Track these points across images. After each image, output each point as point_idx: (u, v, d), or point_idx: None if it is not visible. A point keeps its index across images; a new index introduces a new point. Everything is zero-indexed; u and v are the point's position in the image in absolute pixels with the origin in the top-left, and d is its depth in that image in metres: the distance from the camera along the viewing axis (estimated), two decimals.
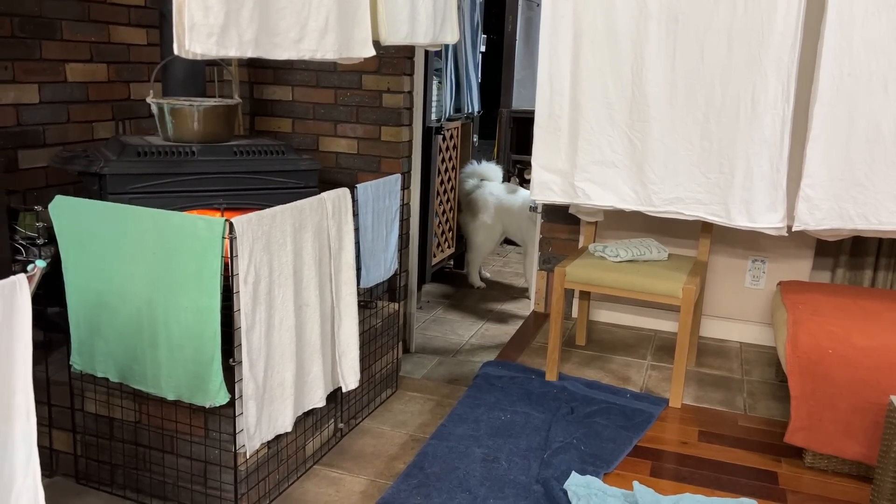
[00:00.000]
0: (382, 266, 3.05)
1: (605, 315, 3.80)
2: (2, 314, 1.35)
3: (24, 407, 1.42)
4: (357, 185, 2.78)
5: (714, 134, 2.75)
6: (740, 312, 3.60)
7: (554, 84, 2.95)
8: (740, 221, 2.75)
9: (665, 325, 3.67)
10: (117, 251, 2.23)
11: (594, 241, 3.34)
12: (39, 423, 2.44)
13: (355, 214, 2.74)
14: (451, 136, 5.26)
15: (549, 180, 3.02)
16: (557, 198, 3.04)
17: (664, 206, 2.87)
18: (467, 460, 2.41)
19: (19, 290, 1.38)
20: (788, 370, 2.46)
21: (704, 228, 3.14)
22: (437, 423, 2.71)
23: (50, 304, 2.47)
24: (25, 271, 1.42)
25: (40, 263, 1.44)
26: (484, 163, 5.15)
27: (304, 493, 2.38)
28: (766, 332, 3.52)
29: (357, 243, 2.76)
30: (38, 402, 2.43)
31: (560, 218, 3.72)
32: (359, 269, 2.81)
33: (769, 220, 2.71)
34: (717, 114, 2.73)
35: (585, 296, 3.50)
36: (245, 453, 2.22)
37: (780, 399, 2.97)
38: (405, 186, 3.74)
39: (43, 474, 2.18)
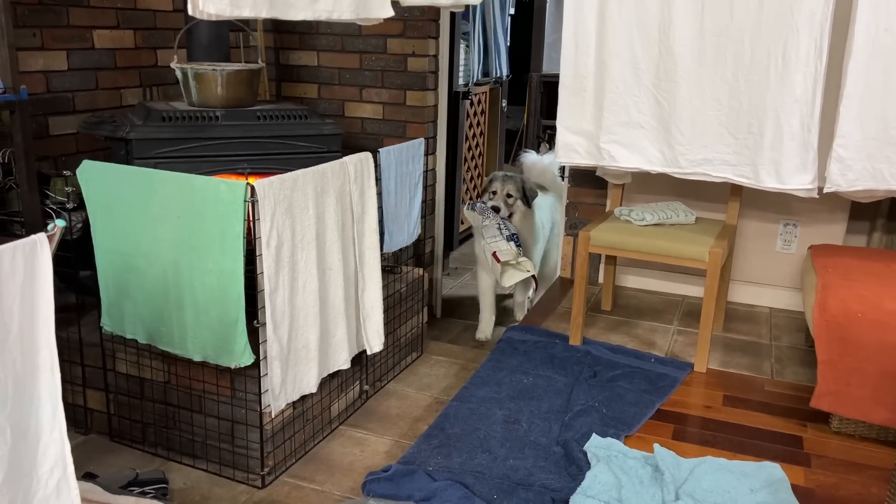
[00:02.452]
0: (406, 231, 3.06)
1: (632, 280, 3.77)
2: (24, 272, 1.39)
3: (49, 362, 1.46)
4: (380, 150, 2.78)
5: (743, 93, 2.67)
6: (771, 277, 3.53)
7: (579, 43, 2.89)
8: (769, 183, 2.69)
9: (693, 290, 3.62)
10: (143, 215, 2.27)
11: (620, 205, 3.30)
12: (74, 383, 2.53)
13: (378, 179, 2.75)
14: (479, 101, 5.21)
15: (575, 142, 2.98)
16: (583, 160, 3.00)
17: (691, 168, 2.81)
18: (488, 422, 2.43)
19: (40, 248, 1.41)
20: (816, 334, 2.42)
21: (733, 191, 3.07)
22: (461, 387, 2.73)
23: (82, 267, 2.53)
24: (45, 230, 1.45)
25: (60, 223, 1.48)
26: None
27: (330, 452, 2.43)
28: (796, 297, 3.46)
29: (380, 208, 2.76)
30: (72, 362, 2.51)
31: (587, 182, 3.67)
32: (382, 234, 2.82)
33: (799, 182, 2.64)
34: (747, 72, 2.65)
35: (611, 261, 3.47)
36: (271, 413, 2.26)
37: (809, 365, 2.93)
38: (430, 152, 3.73)
39: (78, 432, 2.26)
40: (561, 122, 2.99)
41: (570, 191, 3.79)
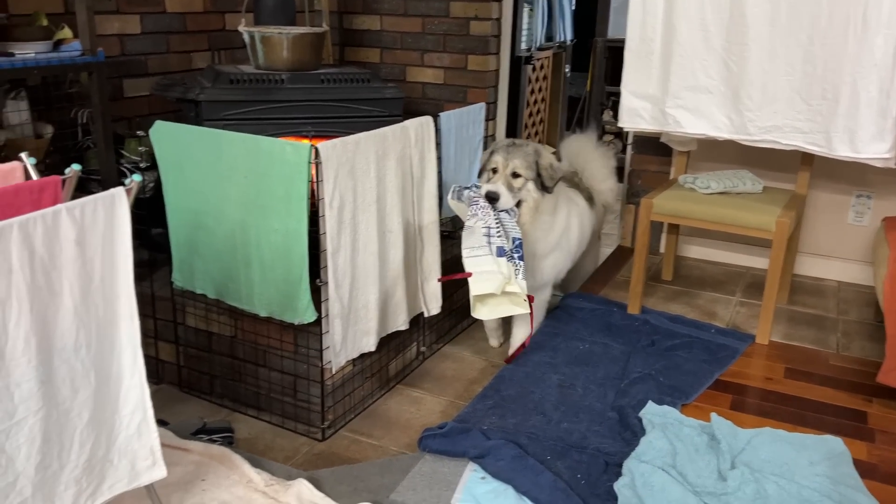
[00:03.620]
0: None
1: (695, 250, 3.70)
2: (104, 224, 1.47)
3: (128, 310, 1.55)
4: (440, 114, 2.78)
5: (818, 57, 2.57)
6: (841, 250, 3.42)
7: (647, 6, 2.82)
8: (842, 151, 2.59)
9: (758, 261, 3.54)
10: (212, 174, 2.34)
11: (685, 173, 3.23)
12: (146, 336, 2.65)
13: (438, 143, 2.76)
14: (542, 67, 5.14)
15: (639, 107, 2.92)
16: (647, 125, 2.94)
17: (760, 135, 2.73)
18: (543, 385, 2.45)
19: (118, 201, 1.49)
20: (886, 308, 2.34)
21: (804, 160, 2.97)
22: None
23: (154, 225, 2.64)
24: (123, 185, 1.52)
25: (136, 178, 1.55)
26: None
27: (387, 409, 2.49)
28: (867, 271, 3.34)
29: (439, 172, 2.78)
30: (145, 315, 2.63)
31: (650, 148, 3.61)
32: (441, 198, 2.84)
33: (875, 151, 2.53)
34: (823, 35, 2.54)
35: (674, 230, 3.41)
36: (331, 369, 2.33)
37: (877, 340, 2.84)
38: (491, 117, 3.72)
39: (150, 382, 2.38)
40: (626, 87, 2.94)
41: (634, 158, 3.72)
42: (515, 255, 2.38)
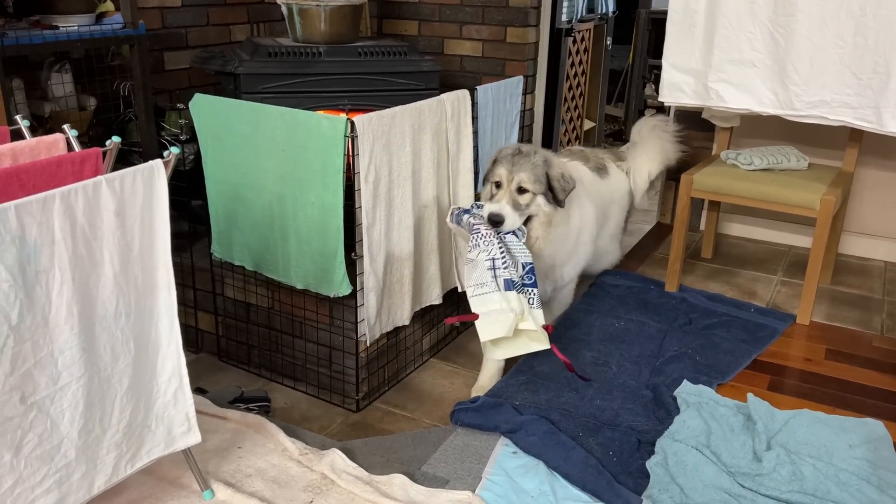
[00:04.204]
0: None
1: (736, 228, 3.63)
2: (143, 195, 1.50)
3: (165, 280, 1.58)
4: (477, 87, 2.75)
5: (870, 28, 2.47)
6: (889, 229, 3.31)
7: None
8: (893, 128, 2.49)
9: (801, 240, 3.45)
10: (251, 147, 2.36)
11: (727, 149, 3.16)
12: (186, 306, 2.71)
13: (475, 117, 2.73)
14: (583, 39, 5.04)
15: (681, 81, 2.85)
16: (688, 100, 2.87)
17: (807, 110, 2.64)
18: (577, 362, 2.44)
19: (157, 173, 1.51)
20: None
21: (852, 136, 2.87)
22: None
23: (193, 197, 2.68)
24: (162, 157, 1.54)
25: (174, 150, 1.57)
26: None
27: (421, 382, 2.51)
28: None
29: (476, 147, 2.76)
30: (184, 285, 2.68)
31: (692, 124, 3.52)
32: (476, 173, 2.82)
33: None
34: (876, 5, 2.44)
35: (714, 207, 3.34)
36: (366, 341, 2.36)
37: None
38: (529, 90, 3.67)
39: (190, 351, 2.43)
40: (667, 60, 2.87)
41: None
42: (527, 283, 2.15)
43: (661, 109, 5.51)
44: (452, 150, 2.61)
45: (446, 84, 3.28)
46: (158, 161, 1.52)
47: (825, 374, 2.44)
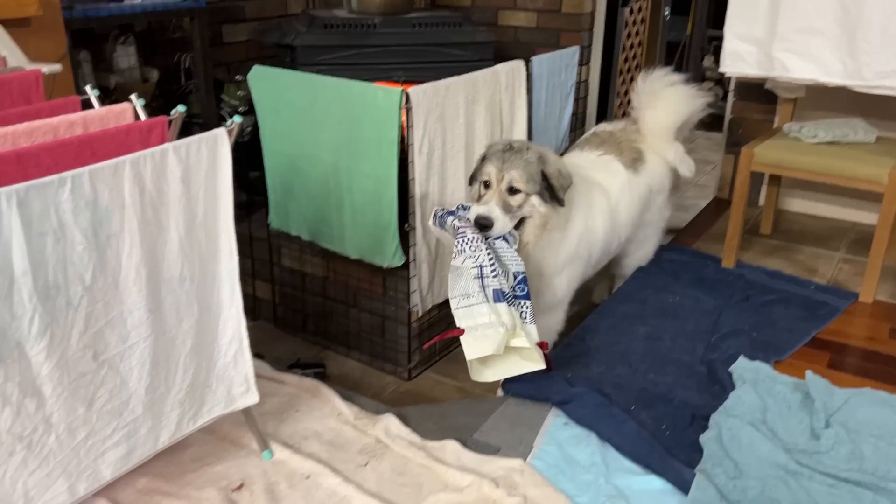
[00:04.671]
0: (553, 143, 3.02)
1: (797, 204, 3.52)
2: (207, 162, 1.54)
3: (228, 246, 1.63)
4: (532, 58, 2.73)
5: None
6: None
7: None
8: None
9: (867, 216, 3.33)
10: (307, 119, 2.39)
11: (791, 121, 3.06)
12: (244, 274, 2.77)
13: (529, 88, 2.71)
14: (640, 9, 4.92)
15: (744, 51, 2.76)
16: (751, 70, 2.78)
17: (877, 81, 2.53)
18: (629, 337, 2.42)
19: (220, 141, 1.55)
20: None
21: None
22: (603, 302, 2.73)
23: (251, 168, 2.74)
24: (225, 125, 1.58)
25: (237, 119, 1.60)
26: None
27: None
28: None
29: (529, 118, 2.74)
30: (243, 255, 2.72)
31: (754, 95, 3.42)
32: None
33: None
34: None
35: (775, 181, 3.25)
36: (418, 312, 2.39)
37: None
38: (584, 62, 3.62)
39: (247, 318, 2.49)
40: (729, 29, 2.78)
41: (735, 105, 3.55)
42: (519, 294, 1.94)
43: (721, 82, 5.35)
44: (506, 121, 2.60)
45: (500, 56, 3.25)
46: (222, 129, 1.56)
47: (888, 353, 2.37)
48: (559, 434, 1.97)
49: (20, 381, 1.31)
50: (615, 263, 2.77)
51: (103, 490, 1.63)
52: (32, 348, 1.31)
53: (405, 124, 2.23)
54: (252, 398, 1.77)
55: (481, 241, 1.91)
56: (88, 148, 1.45)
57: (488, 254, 1.90)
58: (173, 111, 1.61)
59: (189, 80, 2.75)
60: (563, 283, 2.27)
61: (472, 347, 1.81)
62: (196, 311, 1.60)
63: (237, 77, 2.81)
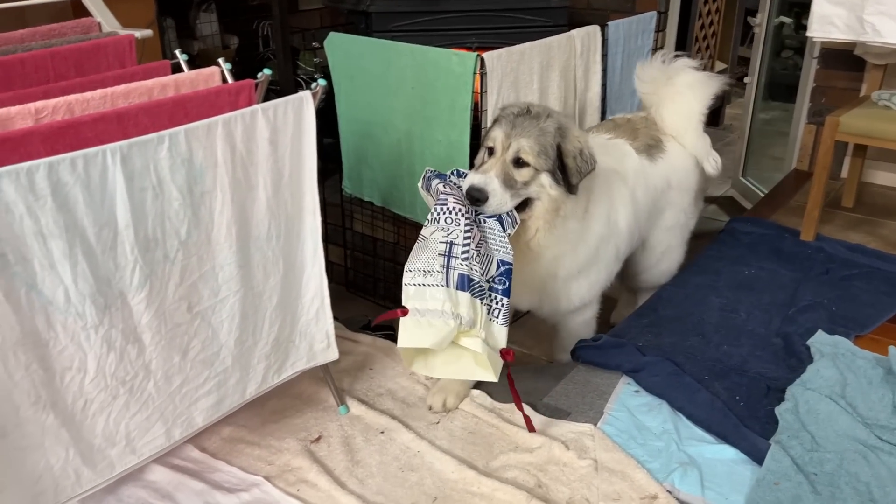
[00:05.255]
0: (628, 110, 2.97)
1: (882, 176, 3.38)
2: (293, 124, 1.58)
3: (311, 206, 1.67)
4: (608, 23, 2.68)
5: None
6: None
7: None
8: None
9: None
10: (381, 85, 2.42)
11: (880, 89, 2.92)
12: None
13: (604, 54, 2.67)
14: None
15: (833, 14, 2.64)
16: (840, 35, 2.66)
17: None
18: (703, 308, 2.39)
19: (306, 103, 1.59)
20: None
21: None
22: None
23: (325, 135, 2.78)
24: (310, 88, 1.62)
25: (321, 82, 1.64)
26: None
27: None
28: None
29: (604, 85, 2.70)
30: None
31: (839, 62, 3.28)
32: (604, 112, 2.77)
33: None
34: None
35: (860, 152, 3.12)
36: None
37: None
38: (660, 28, 3.52)
39: None
40: None
41: (818, 73, 3.41)
42: (497, 287, 1.62)
43: (800, 50, 5.13)
44: (580, 87, 2.57)
45: (574, 21, 3.21)
46: (307, 92, 1.60)
47: None
48: (630, 401, 1.97)
49: (123, 328, 1.39)
50: (633, 277, 2.50)
51: (192, 438, 1.72)
52: (133, 298, 1.39)
53: (478, 90, 2.23)
54: (332, 354, 1.83)
55: (462, 216, 1.59)
56: (182, 108, 1.51)
57: (466, 231, 1.57)
58: (259, 74, 1.65)
59: (266, 47, 2.80)
60: (582, 289, 2.00)
61: (407, 334, 1.54)
62: (282, 267, 1.66)
63: (314, 44, 2.86)
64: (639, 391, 2.01)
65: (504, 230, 1.67)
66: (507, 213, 1.71)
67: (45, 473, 1.36)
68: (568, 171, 1.76)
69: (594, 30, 2.56)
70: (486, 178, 1.67)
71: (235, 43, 2.73)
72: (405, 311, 1.56)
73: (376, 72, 2.42)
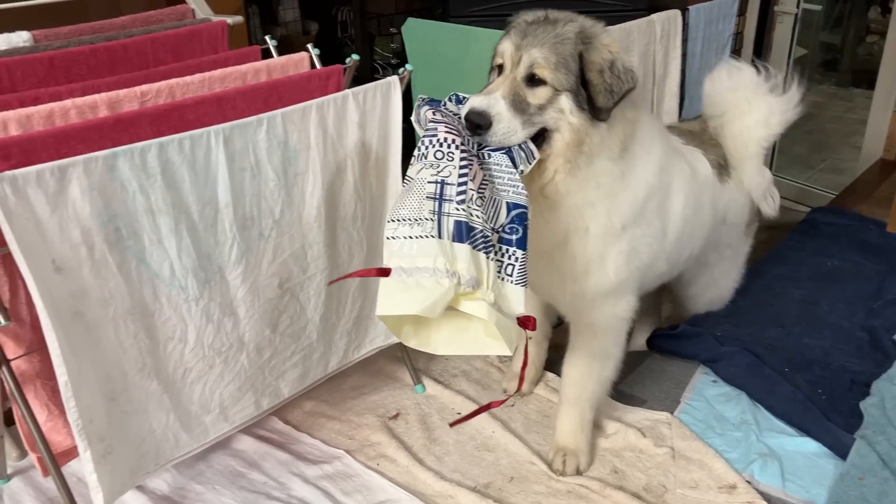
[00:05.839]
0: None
1: None
2: (381, 108, 1.62)
3: (395, 188, 1.71)
4: (689, 7, 2.63)
5: None
6: None
7: None
8: None
9: None
10: (458, 70, 2.43)
11: None
12: None
13: (685, 39, 2.62)
14: None
15: None
16: None
17: None
18: (783, 299, 2.34)
19: (393, 88, 1.62)
20: None
21: None
22: (751, 265, 2.63)
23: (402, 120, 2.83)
24: (398, 74, 1.65)
25: (409, 67, 1.67)
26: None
27: None
28: None
29: (683, 71, 2.65)
30: None
31: None
32: (682, 99, 2.72)
33: None
34: None
35: None
36: None
37: None
38: (741, 12, 3.43)
39: None
40: None
41: None
42: (508, 237, 1.28)
43: (885, 34, 4.90)
44: (659, 73, 2.53)
45: (654, 6, 3.15)
46: (395, 77, 1.63)
47: None
48: (707, 391, 1.96)
49: (220, 301, 1.45)
50: (677, 303, 2.18)
51: (276, 411, 1.79)
52: (231, 273, 1.45)
53: None
54: None
55: (457, 148, 1.24)
56: (276, 93, 1.57)
57: (463, 167, 1.23)
58: (348, 60, 1.70)
59: (345, 33, 2.85)
60: (620, 259, 1.52)
61: (389, 299, 1.21)
62: (365, 248, 1.70)
63: (390, 29, 2.90)
64: (716, 381, 1.99)
65: (516, 166, 1.30)
66: (520, 146, 1.33)
67: (148, 436, 1.44)
68: (592, 89, 1.36)
69: (675, 14, 2.52)
70: (490, 99, 1.32)
71: (315, 29, 2.79)
72: (386, 271, 1.21)
73: (453, 57, 2.44)
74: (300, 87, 1.61)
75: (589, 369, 1.68)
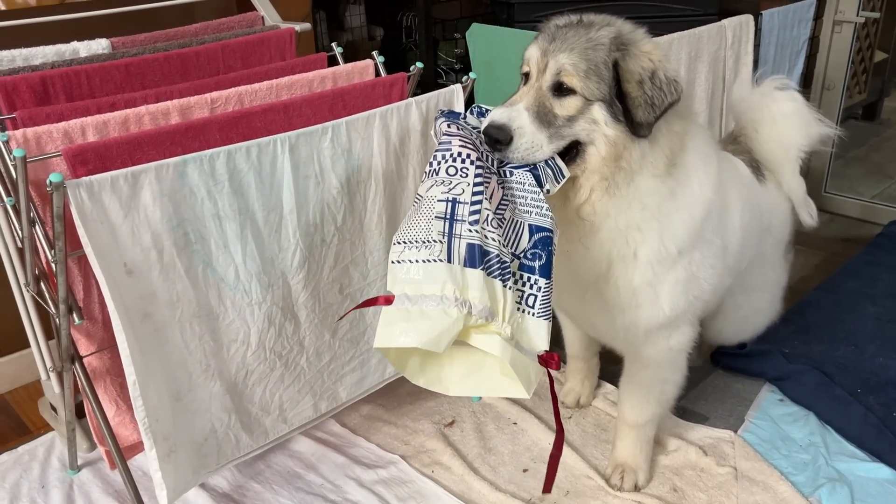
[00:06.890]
0: None
1: None
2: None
3: None
4: (763, 12, 2.55)
5: None
6: None
7: None
8: None
9: None
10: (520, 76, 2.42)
11: None
12: None
13: (756, 45, 2.54)
14: None
15: None
16: None
17: None
18: (856, 315, 2.24)
19: (457, 97, 1.62)
20: None
21: None
22: (822, 279, 2.53)
23: None
24: (461, 82, 1.65)
25: (472, 75, 1.67)
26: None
27: None
28: None
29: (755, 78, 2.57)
30: None
31: None
32: None
33: None
34: None
35: None
36: None
37: None
38: (817, 16, 3.31)
39: None
40: None
41: None
42: (530, 263, 1.14)
43: None
44: (729, 79, 2.46)
45: (724, 10, 3.07)
46: (458, 85, 1.63)
47: None
48: (773, 410, 1.89)
49: (283, 305, 1.48)
50: (707, 329, 1.88)
51: (334, 414, 1.81)
52: (293, 278, 1.48)
53: None
54: None
55: (472, 163, 1.13)
56: (340, 100, 1.58)
57: (478, 184, 1.11)
58: (412, 68, 1.70)
59: (409, 38, 2.87)
60: (678, 289, 1.37)
61: (388, 330, 1.08)
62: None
63: (455, 35, 2.90)
64: (784, 400, 1.93)
65: (541, 186, 1.17)
66: (547, 162, 1.20)
67: (210, 436, 1.48)
68: (630, 102, 1.22)
69: (747, 19, 2.44)
70: (511, 111, 1.20)
71: (381, 34, 2.81)
72: (387, 299, 1.10)
73: (517, 63, 2.42)
74: (365, 95, 1.62)
75: (647, 396, 1.61)
